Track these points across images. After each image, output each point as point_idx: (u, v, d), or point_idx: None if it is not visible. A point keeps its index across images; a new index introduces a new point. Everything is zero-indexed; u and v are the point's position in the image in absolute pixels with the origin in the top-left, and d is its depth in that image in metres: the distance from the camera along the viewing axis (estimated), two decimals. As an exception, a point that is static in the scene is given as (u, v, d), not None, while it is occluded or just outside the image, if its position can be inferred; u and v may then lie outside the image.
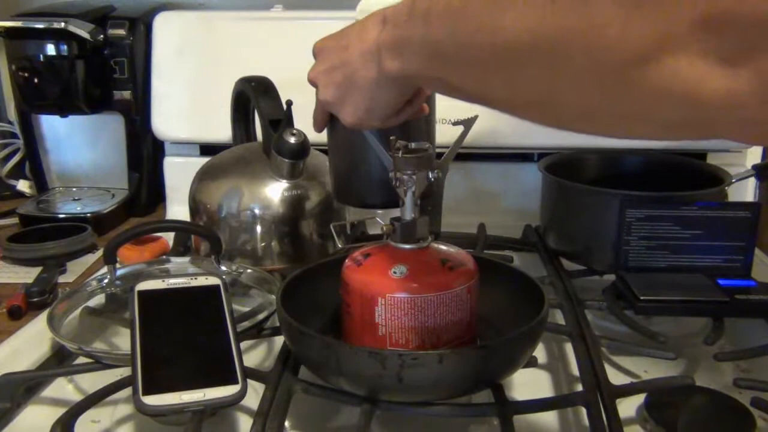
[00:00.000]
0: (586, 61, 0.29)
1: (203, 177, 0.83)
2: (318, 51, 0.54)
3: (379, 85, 0.48)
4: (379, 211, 0.72)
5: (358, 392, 0.52)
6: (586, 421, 0.52)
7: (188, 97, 1.04)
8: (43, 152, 1.14)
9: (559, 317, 0.69)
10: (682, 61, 0.26)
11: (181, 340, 0.54)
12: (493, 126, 0.97)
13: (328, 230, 0.79)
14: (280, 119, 0.76)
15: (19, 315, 0.74)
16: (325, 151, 0.87)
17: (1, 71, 1.21)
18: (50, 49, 1.00)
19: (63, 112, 1.07)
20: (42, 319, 0.66)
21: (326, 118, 0.59)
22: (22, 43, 1.00)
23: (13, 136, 1.20)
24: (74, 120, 1.10)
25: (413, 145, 0.55)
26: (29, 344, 0.66)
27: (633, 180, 0.87)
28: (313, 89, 0.57)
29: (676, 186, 0.75)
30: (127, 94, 1.07)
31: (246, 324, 0.63)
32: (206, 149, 1.06)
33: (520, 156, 1.04)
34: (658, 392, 0.56)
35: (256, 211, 0.78)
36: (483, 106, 0.40)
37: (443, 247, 0.58)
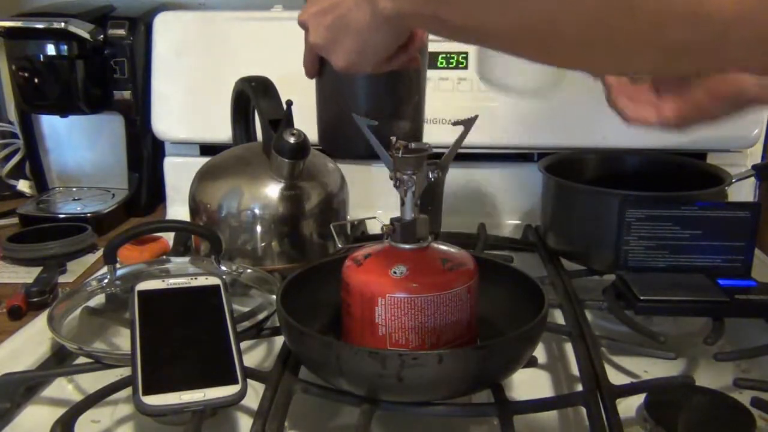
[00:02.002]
0: None
1: (203, 177, 0.83)
2: None
3: (372, 27, 0.46)
4: (379, 211, 0.72)
5: (358, 392, 0.52)
6: (586, 421, 0.52)
7: (188, 97, 1.04)
8: (43, 152, 1.15)
9: (559, 317, 0.69)
10: None
11: (181, 340, 0.54)
12: (493, 126, 0.97)
13: (328, 230, 0.79)
14: (280, 119, 0.76)
15: (19, 315, 0.74)
16: (324, 152, 0.88)
17: (1, 71, 1.21)
18: (50, 49, 1.00)
19: (63, 112, 1.07)
20: (42, 319, 0.66)
21: (317, 64, 0.58)
22: (22, 43, 1.00)
23: (13, 136, 1.20)
24: (74, 120, 1.10)
25: (413, 145, 0.55)
26: (29, 344, 0.66)
27: (633, 180, 0.87)
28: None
29: (676, 186, 0.75)
30: (127, 94, 1.07)
31: (246, 324, 0.63)
32: (206, 149, 1.06)
33: (520, 156, 1.04)
34: (658, 392, 0.56)
35: (256, 211, 0.78)
36: (479, 46, 0.38)
37: (443, 247, 0.58)
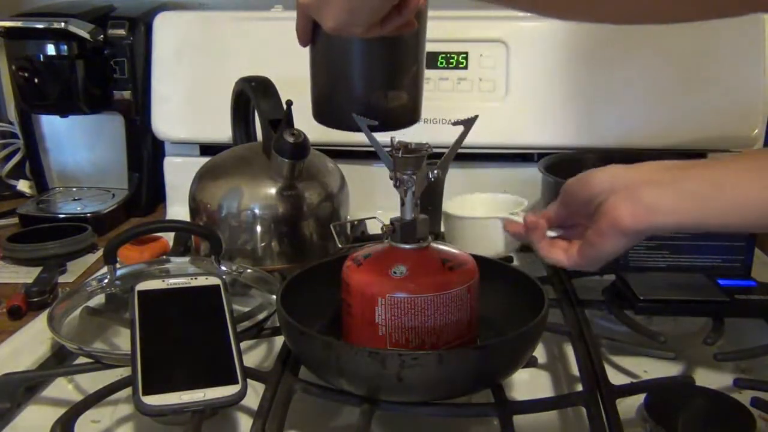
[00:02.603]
0: None
1: (203, 177, 0.83)
2: None
3: None
4: (379, 211, 0.72)
5: (358, 392, 0.52)
6: (586, 421, 0.52)
7: (188, 97, 1.04)
8: (43, 152, 1.14)
9: (559, 317, 0.69)
10: None
11: (181, 340, 0.54)
12: (493, 126, 0.97)
13: (328, 230, 0.79)
14: (280, 119, 0.76)
15: (19, 315, 0.74)
16: (324, 151, 0.88)
17: (1, 71, 1.21)
18: (50, 49, 1.00)
19: (63, 112, 1.07)
20: (42, 319, 0.66)
21: (309, 29, 0.57)
22: (22, 43, 1.00)
23: (13, 136, 1.20)
24: (74, 120, 1.10)
25: (413, 144, 0.55)
26: (29, 344, 0.66)
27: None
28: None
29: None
30: (127, 94, 1.07)
31: (246, 324, 0.63)
32: (206, 149, 1.06)
33: (520, 156, 1.04)
34: (658, 392, 0.56)
35: (256, 211, 0.78)
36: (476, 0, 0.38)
37: (443, 247, 0.58)
